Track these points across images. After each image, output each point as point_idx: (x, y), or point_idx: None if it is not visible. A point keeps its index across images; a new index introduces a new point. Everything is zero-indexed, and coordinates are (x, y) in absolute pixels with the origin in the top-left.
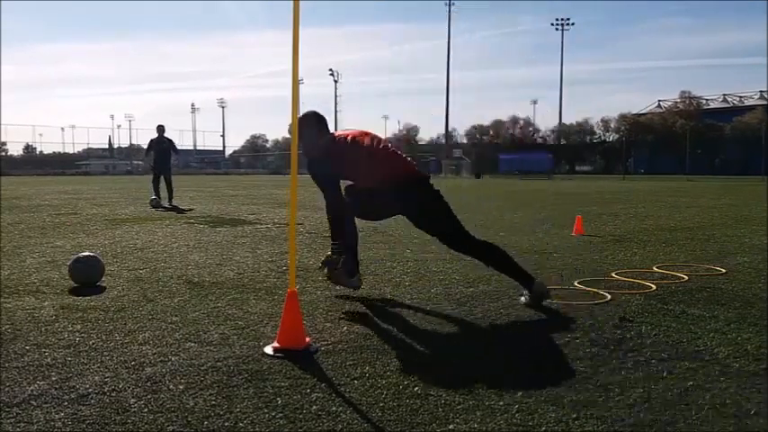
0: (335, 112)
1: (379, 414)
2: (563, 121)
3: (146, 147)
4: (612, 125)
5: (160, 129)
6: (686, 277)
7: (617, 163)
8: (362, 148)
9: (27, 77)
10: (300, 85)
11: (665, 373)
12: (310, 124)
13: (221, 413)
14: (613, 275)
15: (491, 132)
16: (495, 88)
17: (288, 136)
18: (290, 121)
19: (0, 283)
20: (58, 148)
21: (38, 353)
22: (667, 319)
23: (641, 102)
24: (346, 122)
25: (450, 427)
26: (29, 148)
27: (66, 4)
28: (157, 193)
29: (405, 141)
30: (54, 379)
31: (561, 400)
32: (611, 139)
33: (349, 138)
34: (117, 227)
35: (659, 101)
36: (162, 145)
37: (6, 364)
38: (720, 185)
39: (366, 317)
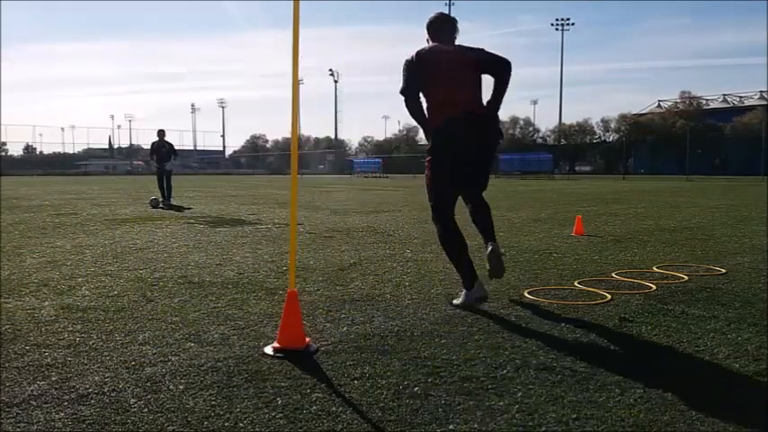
0: (335, 112)
1: (379, 414)
2: (563, 121)
3: (147, 147)
4: (612, 125)
5: (160, 133)
6: (686, 277)
7: (617, 163)
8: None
9: (27, 77)
10: (300, 85)
11: (665, 374)
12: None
13: (221, 413)
14: (613, 275)
15: None
16: None
17: (288, 136)
18: (291, 121)
19: (0, 283)
20: (58, 148)
21: (38, 353)
22: (667, 319)
23: (641, 102)
24: (346, 122)
25: (450, 427)
26: (29, 148)
27: (67, 4)
28: (162, 192)
29: (405, 142)
30: (54, 379)
31: (561, 400)
32: (611, 139)
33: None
34: (117, 227)
35: (659, 101)
36: (162, 149)
37: (6, 364)
38: (720, 185)
39: (366, 317)
